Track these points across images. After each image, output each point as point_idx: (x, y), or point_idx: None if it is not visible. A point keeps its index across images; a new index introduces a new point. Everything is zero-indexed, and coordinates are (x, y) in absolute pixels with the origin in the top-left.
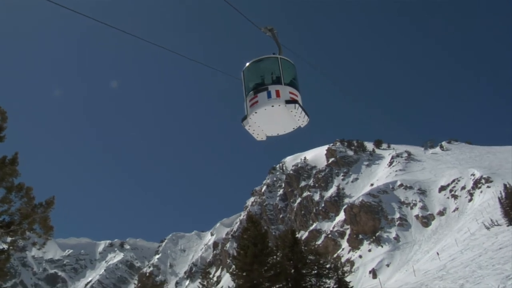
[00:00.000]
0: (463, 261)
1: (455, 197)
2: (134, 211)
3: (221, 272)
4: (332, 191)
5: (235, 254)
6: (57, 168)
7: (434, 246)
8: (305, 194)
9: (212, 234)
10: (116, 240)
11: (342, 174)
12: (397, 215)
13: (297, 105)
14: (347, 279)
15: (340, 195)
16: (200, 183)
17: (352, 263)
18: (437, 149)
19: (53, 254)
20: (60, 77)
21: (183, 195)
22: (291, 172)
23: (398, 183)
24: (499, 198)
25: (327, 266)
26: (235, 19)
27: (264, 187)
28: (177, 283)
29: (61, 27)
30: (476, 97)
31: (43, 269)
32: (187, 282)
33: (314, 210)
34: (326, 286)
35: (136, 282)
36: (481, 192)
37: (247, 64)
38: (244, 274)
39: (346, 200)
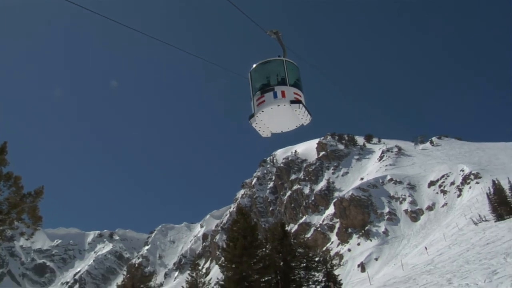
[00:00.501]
0: (450, 256)
1: (444, 192)
2: (124, 202)
3: (210, 264)
4: (322, 184)
5: (225, 246)
6: (47, 157)
7: (423, 240)
8: (295, 187)
9: (201, 226)
10: (105, 230)
11: (332, 167)
12: (387, 210)
13: (301, 105)
14: (336, 272)
15: (330, 189)
16: (190, 175)
17: (341, 256)
18: (428, 144)
19: (41, 244)
20: (51, 64)
21: (173, 187)
22: (282, 165)
23: (388, 177)
24: (487, 194)
25: (316, 259)
26: (236, 19)
27: (255, 180)
28: (166, 274)
29: (61, 26)
30: (468, 93)
31: (31, 259)
32: (176, 273)
33: (304, 203)
34: (315, 279)
35: (125, 273)
36: (470, 188)
37: (254, 65)
38: (233, 266)
39: (336, 194)
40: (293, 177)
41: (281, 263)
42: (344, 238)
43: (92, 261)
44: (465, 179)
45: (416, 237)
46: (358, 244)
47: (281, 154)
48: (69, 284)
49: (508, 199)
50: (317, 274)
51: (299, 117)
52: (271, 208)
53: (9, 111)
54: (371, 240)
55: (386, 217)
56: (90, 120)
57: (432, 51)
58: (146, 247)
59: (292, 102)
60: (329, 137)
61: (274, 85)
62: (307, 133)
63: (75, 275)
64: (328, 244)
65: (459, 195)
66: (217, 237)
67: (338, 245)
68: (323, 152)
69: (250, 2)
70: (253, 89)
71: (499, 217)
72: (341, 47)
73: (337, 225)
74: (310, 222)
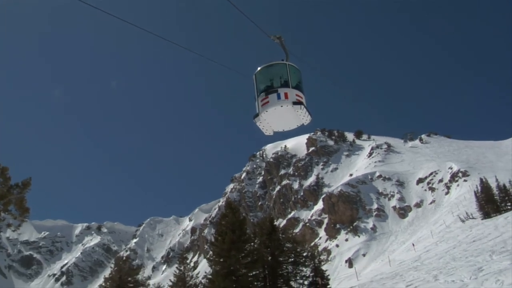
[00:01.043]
0: (437, 252)
1: (432, 189)
2: (113, 195)
3: (198, 258)
4: (311, 180)
5: (213, 240)
6: (35, 149)
7: (410, 237)
8: (284, 182)
9: (190, 220)
10: (93, 223)
11: (322, 163)
12: (375, 206)
13: (302, 106)
14: (324, 267)
15: (319, 184)
16: (179, 168)
17: (329, 252)
18: (417, 141)
19: (28, 236)
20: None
21: (162, 180)
22: (271, 160)
23: (377, 174)
24: (475, 192)
25: (304, 254)
26: (236, 18)
27: (244, 174)
28: (154, 267)
29: (62, 24)
30: (457, 92)
31: (18, 251)
32: (164, 266)
33: (293, 199)
34: (303, 274)
35: (112, 265)
36: (458, 185)
37: (259, 68)
38: (221, 260)
39: (325, 190)
40: (282, 172)
41: (269, 258)
42: (332, 233)
43: (79, 253)
44: (453, 177)
45: (403, 233)
46: (346, 239)
47: (270, 149)
48: (56, 276)
49: (495, 197)
50: (304, 269)
51: (300, 117)
52: (260, 203)
53: None
54: (359, 236)
55: (374, 213)
56: (78, 113)
57: (425, 49)
58: (134, 240)
59: (294, 103)
60: (319, 133)
61: (277, 87)
62: (297, 129)
63: (62, 267)
64: (316, 240)
65: (447, 193)
66: (206, 231)
67: (326, 241)
68: (313, 148)
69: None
70: (257, 90)
71: (486, 215)
72: (333, 43)
73: (326, 221)
74: (298, 217)
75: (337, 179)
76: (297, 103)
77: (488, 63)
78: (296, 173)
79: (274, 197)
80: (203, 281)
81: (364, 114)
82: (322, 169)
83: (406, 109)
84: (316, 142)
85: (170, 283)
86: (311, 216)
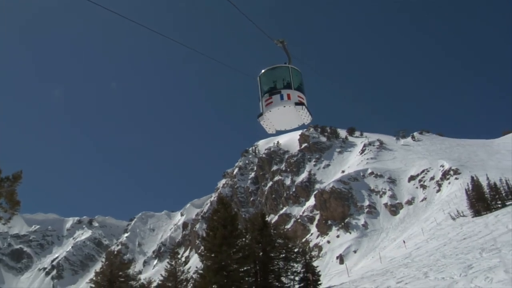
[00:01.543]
0: (428, 250)
1: (423, 187)
2: (104, 189)
3: (189, 253)
4: (303, 176)
5: (204, 235)
6: (26, 141)
7: (401, 234)
8: (276, 178)
9: (182, 215)
10: (84, 217)
11: (314, 159)
12: (367, 203)
13: (304, 106)
14: (315, 263)
15: (311, 181)
16: (172, 163)
17: (320, 248)
18: (409, 139)
19: (19, 229)
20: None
21: (154, 174)
22: (264, 155)
23: (369, 171)
24: (466, 190)
25: (295, 250)
26: (238, 20)
27: (236, 170)
28: (145, 262)
29: (64, 22)
30: (450, 90)
31: (8, 244)
32: (155, 261)
33: (285, 195)
34: (294, 270)
35: (103, 260)
36: (449, 183)
37: (263, 71)
38: (213, 255)
39: (317, 186)
40: (274, 168)
41: (261, 253)
42: (323, 230)
43: (70, 247)
44: (445, 175)
45: (395, 230)
46: (338, 236)
47: (263, 145)
48: (47, 270)
49: (486, 196)
50: (296, 265)
51: (302, 117)
52: (252, 198)
53: None
54: (350, 233)
55: (366, 210)
56: (70, 107)
57: (420, 47)
58: (126, 235)
59: (297, 104)
60: (311, 129)
61: (280, 88)
62: None
63: (53, 261)
64: (307, 236)
65: (438, 190)
66: (197, 226)
67: (317, 237)
68: (305, 144)
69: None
70: (261, 91)
71: (477, 213)
72: (326, 40)
73: (317, 217)
74: (290, 213)
75: (329, 176)
76: (299, 103)
77: (482, 62)
78: (288, 169)
79: (266, 193)
80: (194, 276)
81: (357, 111)
82: (314, 165)
83: (399, 106)
84: (308, 138)
85: (161, 278)
86: (303, 212)
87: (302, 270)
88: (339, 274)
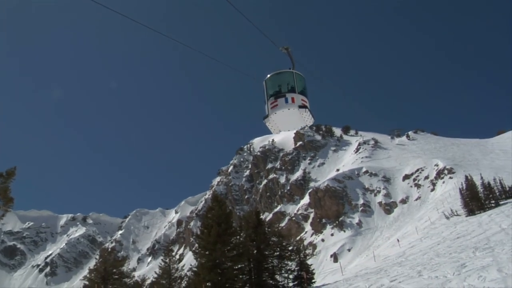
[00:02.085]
0: (422, 248)
1: (418, 186)
2: (99, 186)
3: (184, 250)
4: (298, 174)
5: (199, 232)
6: (20, 138)
7: (395, 233)
8: (271, 176)
9: (176, 212)
10: (78, 214)
11: (309, 158)
12: (361, 201)
13: (307, 109)
14: (309, 262)
15: (305, 179)
16: (166, 161)
17: (314, 246)
18: (404, 138)
19: (12, 226)
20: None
21: (149, 172)
22: (259, 153)
23: (364, 169)
24: (460, 189)
25: (290, 248)
26: (234, 18)
27: (231, 168)
28: (139, 259)
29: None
30: (445, 89)
31: (1, 241)
32: (150, 258)
33: (280, 193)
34: (288, 268)
35: (97, 257)
36: (443, 182)
37: (268, 75)
38: (207, 253)
39: (312, 184)
40: (269, 166)
41: (255, 251)
42: (318, 228)
43: (64, 244)
44: (439, 174)
45: (389, 229)
46: (332, 234)
47: (258, 143)
48: (40, 267)
49: (480, 195)
50: (290, 263)
51: (304, 119)
52: (246, 196)
53: None
54: (344, 231)
55: (360, 208)
56: (63, 103)
57: (415, 47)
58: (120, 232)
59: (300, 107)
60: (306, 127)
61: (285, 92)
62: None
63: (46, 258)
64: (302, 234)
65: (432, 189)
66: (192, 223)
67: (312, 235)
68: (300, 142)
69: None
70: (267, 95)
71: (470, 212)
72: (321, 39)
73: (312, 215)
74: (285, 211)
75: (324, 174)
76: (302, 106)
77: (478, 62)
78: (283, 167)
79: (260, 190)
80: (188, 273)
81: (352, 109)
82: (309, 163)
83: (394, 105)
84: (303, 136)
85: (155, 275)
86: (297, 211)
87: (296, 268)
88: (333, 273)
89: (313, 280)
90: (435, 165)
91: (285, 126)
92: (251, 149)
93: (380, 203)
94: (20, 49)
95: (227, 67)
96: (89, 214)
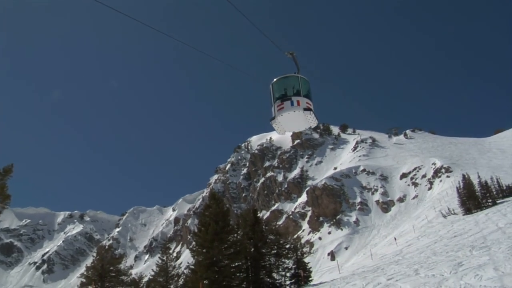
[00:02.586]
0: (419, 247)
1: (415, 184)
2: (96, 183)
3: (181, 248)
4: (295, 172)
5: (196, 230)
6: (17, 135)
7: (392, 231)
8: (268, 174)
9: (174, 210)
10: (76, 211)
11: (306, 156)
12: (358, 200)
13: (311, 111)
14: (306, 260)
15: (303, 177)
16: (164, 158)
17: (311, 244)
18: (401, 137)
19: (9, 223)
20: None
21: (146, 169)
22: (256, 151)
23: (361, 168)
24: (457, 188)
25: (287, 246)
26: (232, 17)
27: (228, 165)
28: (136, 257)
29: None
30: (443, 88)
31: None
32: (147, 256)
33: (277, 191)
34: (285, 266)
35: (94, 254)
36: (441, 181)
37: (275, 79)
38: (204, 251)
39: (309, 182)
40: (267, 164)
41: (252, 249)
42: (315, 226)
43: (61, 241)
44: (436, 173)
45: (386, 227)
46: (329, 232)
47: (256, 141)
48: (37, 264)
49: (477, 194)
50: (287, 261)
51: (309, 121)
52: (244, 194)
53: None
54: (342, 229)
55: (357, 207)
56: (61, 101)
57: (413, 46)
58: (117, 229)
59: (305, 109)
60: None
61: (291, 95)
62: None
63: (43, 255)
64: (299, 232)
65: (429, 188)
66: (189, 221)
67: (309, 233)
68: (298, 140)
69: None
70: (274, 98)
71: (467, 210)
72: (319, 37)
73: (309, 213)
74: (282, 210)
75: (321, 172)
76: (307, 109)
77: (477, 61)
78: (281, 166)
79: (258, 189)
80: (185, 271)
81: (350, 108)
82: (307, 162)
83: (391, 104)
84: (301, 135)
85: (153, 273)
86: (295, 209)
87: (293, 266)
88: (330, 271)
89: (310, 278)
90: (432, 163)
91: (290, 127)
92: (249, 147)
93: (377, 201)
94: (20, 49)
95: (225, 66)
96: (86, 211)
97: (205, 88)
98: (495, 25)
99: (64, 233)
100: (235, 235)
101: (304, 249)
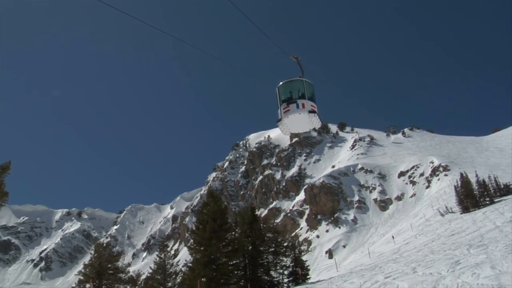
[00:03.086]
0: (416, 245)
1: (413, 183)
2: (94, 181)
3: (179, 246)
4: (293, 170)
5: (194, 228)
6: (15, 133)
7: (390, 229)
8: (266, 172)
9: (171, 208)
10: (73, 209)
11: (304, 154)
12: (356, 198)
13: (316, 114)
14: (304, 258)
15: (301, 175)
16: (162, 156)
17: (309, 242)
18: (399, 135)
19: (7, 220)
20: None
21: (144, 167)
22: (254, 149)
23: (359, 166)
24: (455, 186)
25: (285, 244)
26: (230, 15)
27: (227, 163)
28: (134, 254)
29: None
30: (441, 87)
31: None
32: (145, 254)
33: (275, 189)
34: (283, 264)
35: (92, 252)
36: (439, 179)
37: (281, 83)
38: (202, 248)
39: (307, 181)
40: (265, 162)
41: (250, 247)
42: (313, 224)
43: (59, 239)
44: (434, 171)
45: (384, 226)
46: (327, 231)
47: (254, 139)
48: (35, 262)
49: (474, 192)
50: (285, 259)
51: (313, 122)
52: (242, 192)
53: None
54: (339, 228)
55: (355, 205)
56: (59, 98)
57: (411, 44)
58: (115, 227)
59: (310, 111)
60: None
61: (296, 98)
62: None
63: (41, 253)
64: (297, 230)
65: (427, 187)
66: (187, 219)
67: (307, 231)
68: (296, 139)
69: None
70: (280, 100)
71: (465, 209)
72: (318, 35)
73: (307, 212)
74: (280, 208)
75: (320, 171)
76: (311, 111)
77: (475, 60)
78: (279, 164)
79: (256, 186)
80: (183, 269)
81: (348, 106)
82: (305, 160)
83: (390, 102)
84: (299, 133)
85: (150, 271)
86: (293, 207)
87: (291, 264)
88: (328, 269)
89: (308, 276)
90: (430, 162)
91: (295, 129)
92: (247, 145)
93: (375, 200)
94: (20, 49)
95: (223, 64)
96: (84, 209)
97: (203, 87)
98: (493, 25)
99: (62, 230)
100: (233, 233)
101: (302, 247)
